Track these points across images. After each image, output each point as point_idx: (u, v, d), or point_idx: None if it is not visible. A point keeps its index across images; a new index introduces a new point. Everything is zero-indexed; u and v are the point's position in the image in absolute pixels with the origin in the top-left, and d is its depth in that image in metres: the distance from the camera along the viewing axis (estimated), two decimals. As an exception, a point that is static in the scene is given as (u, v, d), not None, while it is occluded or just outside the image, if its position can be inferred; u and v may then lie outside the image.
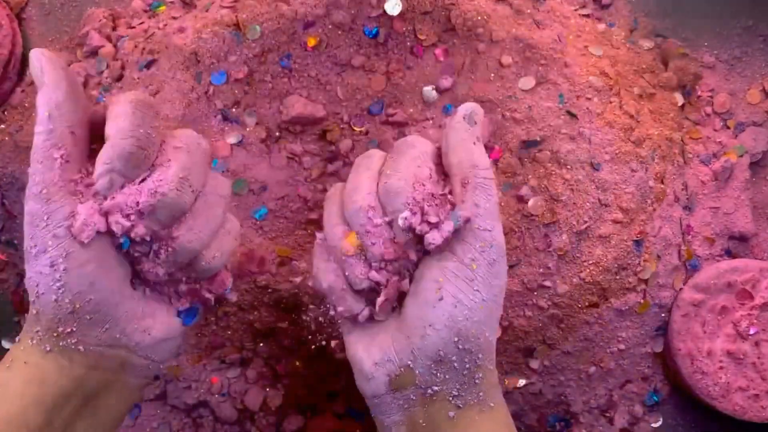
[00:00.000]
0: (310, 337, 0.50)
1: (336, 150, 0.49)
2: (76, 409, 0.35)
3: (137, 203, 0.34)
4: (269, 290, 0.49)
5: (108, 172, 0.34)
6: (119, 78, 0.51)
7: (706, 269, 0.52)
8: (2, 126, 0.53)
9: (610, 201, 0.49)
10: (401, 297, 0.36)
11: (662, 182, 0.52)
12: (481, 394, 0.35)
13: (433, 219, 0.34)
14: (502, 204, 0.48)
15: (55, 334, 0.34)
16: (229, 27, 0.47)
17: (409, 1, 0.47)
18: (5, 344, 0.54)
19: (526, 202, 0.48)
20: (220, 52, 0.48)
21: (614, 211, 0.49)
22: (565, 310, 0.49)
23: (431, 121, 0.49)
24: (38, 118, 0.34)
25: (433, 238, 0.34)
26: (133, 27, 0.53)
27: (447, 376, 0.35)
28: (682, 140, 0.54)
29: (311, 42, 0.47)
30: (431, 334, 0.34)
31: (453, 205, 0.35)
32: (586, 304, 0.50)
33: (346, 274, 0.36)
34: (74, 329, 0.34)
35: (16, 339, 0.36)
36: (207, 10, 0.50)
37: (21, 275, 0.54)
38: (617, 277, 0.50)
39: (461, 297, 0.34)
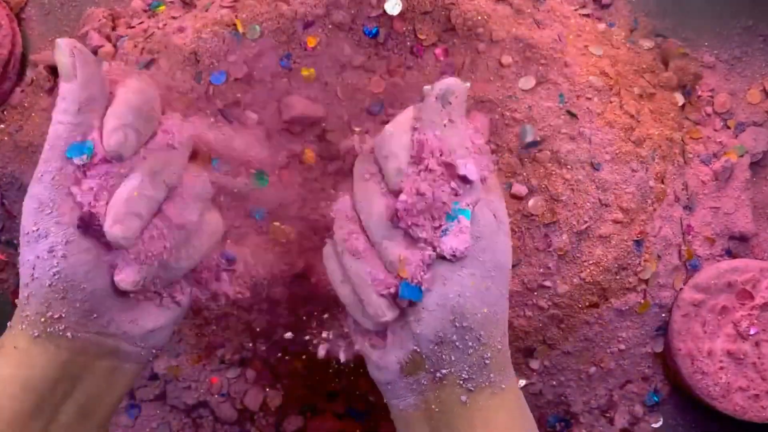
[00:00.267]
0: (309, 337, 0.50)
1: (336, 150, 0.49)
2: (66, 393, 0.35)
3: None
4: (269, 290, 0.49)
5: (122, 127, 0.34)
6: (119, 78, 0.51)
7: (706, 269, 0.52)
8: (2, 126, 0.53)
9: (611, 201, 0.49)
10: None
11: (662, 182, 0.51)
12: (492, 375, 0.35)
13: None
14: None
15: (42, 319, 0.34)
16: (228, 27, 0.47)
17: (409, 1, 0.47)
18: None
19: (527, 202, 0.48)
20: (219, 52, 0.48)
21: (614, 211, 0.49)
22: (565, 310, 0.49)
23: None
24: (63, 107, 0.34)
25: (470, 172, 0.35)
26: (133, 27, 0.53)
27: (453, 357, 0.35)
28: (682, 140, 0.54)
29: (311, 42, 0.47)
30: (425, 317, 0.35)
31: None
32: (587, 304, 0.50)
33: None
34: (63, 315, 0.34)
35: (8, 325, 0.36)
36: (207, 10, 0.50)
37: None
38: (617, 277, 0.50)
39: (447, 275, 0.35)
